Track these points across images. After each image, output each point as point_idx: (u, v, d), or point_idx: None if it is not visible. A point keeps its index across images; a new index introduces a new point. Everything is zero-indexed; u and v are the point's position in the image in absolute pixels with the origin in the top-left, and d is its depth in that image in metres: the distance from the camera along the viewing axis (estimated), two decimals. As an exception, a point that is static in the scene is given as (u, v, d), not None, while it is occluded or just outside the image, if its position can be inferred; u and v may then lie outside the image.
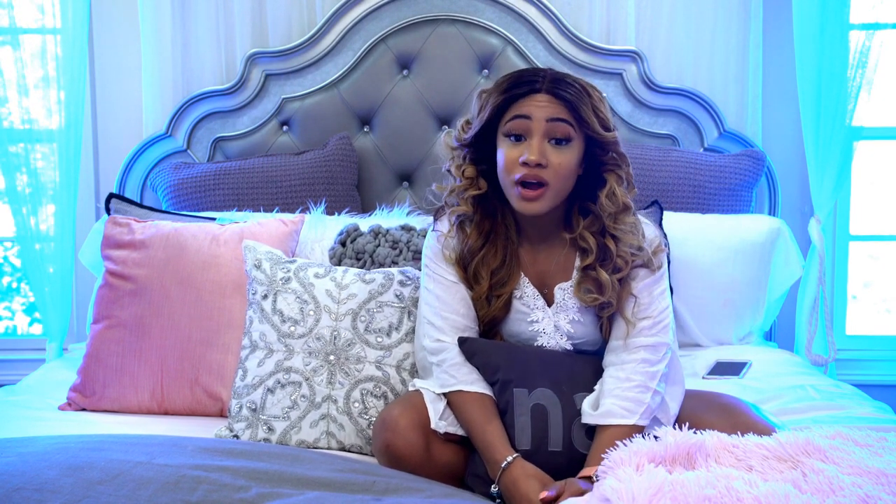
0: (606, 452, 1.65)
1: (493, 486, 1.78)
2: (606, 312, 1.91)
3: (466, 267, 1.94)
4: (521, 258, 1.96)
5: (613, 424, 1.80)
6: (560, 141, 1.84)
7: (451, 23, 2.94)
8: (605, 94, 2.93)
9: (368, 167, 2.95)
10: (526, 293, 1.95)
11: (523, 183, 1.84)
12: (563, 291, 1.94)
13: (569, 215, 1.94)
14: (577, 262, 1.93)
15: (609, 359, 1.90)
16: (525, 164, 1.82)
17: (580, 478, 1.73)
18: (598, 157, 1.89)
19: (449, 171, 1.97)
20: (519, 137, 1.85)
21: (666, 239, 1.97)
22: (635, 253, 1.89)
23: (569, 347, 1.95)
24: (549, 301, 1.95)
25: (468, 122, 1.94)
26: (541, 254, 1.96)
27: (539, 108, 1.84)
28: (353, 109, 2.97)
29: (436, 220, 2.00)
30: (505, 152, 1.86)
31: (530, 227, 1.95)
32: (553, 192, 1.85)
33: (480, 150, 1.93)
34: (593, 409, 1.84)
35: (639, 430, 1.80)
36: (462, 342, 1.92)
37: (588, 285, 1.90)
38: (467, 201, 1.93)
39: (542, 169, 1.83)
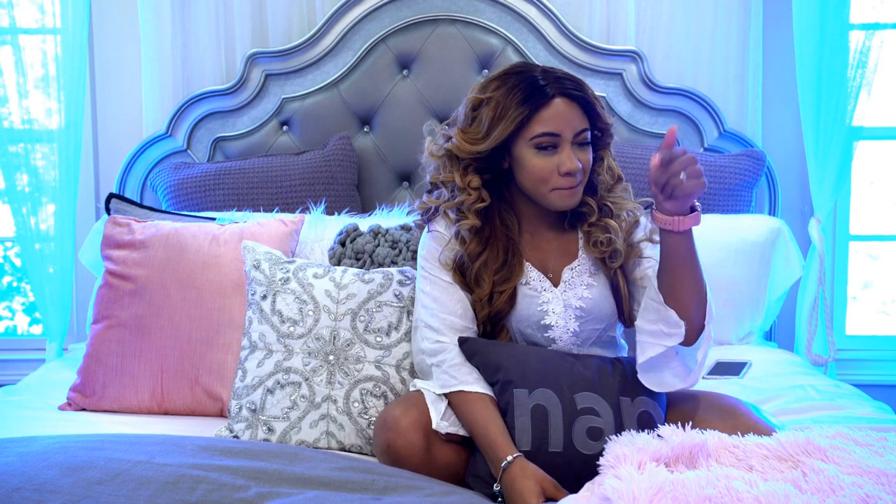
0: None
1: (495, 485, 1.78)
2: (615, 263, 1.95)
3: (465, 273, 1.95)
4: (522, 249, 1.98)
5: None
6: (583, 144, 1.91)
7: (451, 23, 2.94)
8: (604, 94, 2.94)
9: (368, 167, 2.95)
10: (531, 277, 1.96)
11: (563, 185, 1.89)
12: (572, 271, 1.97)
13: None
14: (581, 235, 1.98)
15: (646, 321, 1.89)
16: (568, 174, 1.88)
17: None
18: (594, 137, 1.96)
19: (441, 181, 1.96)
20: (547, 148, 1.89)
21: None
22: (635, 212, 1.97)
23: (576, 328, 1.95)
24: (556, 283, 1.97)
25: (464, 131, 1.91)
26: (542, 241, 1.99)
27: (565, 121, 1.88)
28: (353, 109, 2.97)
29: (429, 220, 2.00)
30: (537, 163, 1.89)
31: (534, 218, 1.99)
32: (583, 186, 1.93)
33: (486, 160, 1.93)
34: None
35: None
36: (462, 342, 1.92)
37: (598, 233, 1.95)
38: (474, 214, 1.93)
39: (580, 172, 1.90)
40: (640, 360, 1.84)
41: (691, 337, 1.82)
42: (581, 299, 1.96)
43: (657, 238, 1.93)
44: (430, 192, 2.01)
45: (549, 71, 1.92)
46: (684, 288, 1.79)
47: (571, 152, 1.88)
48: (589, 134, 1.91)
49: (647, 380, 1.85)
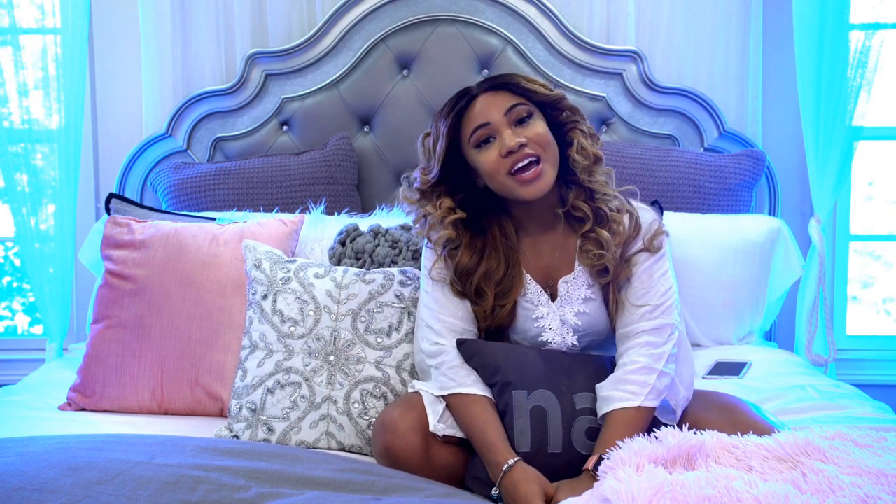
0: (614, 440, 1.70)
1: (493, 489, 1.78)
2: (604, 279, 1.91)
3: (464, 286, 1.94)
4: (523, 256, 1.97)
5: (618, 409, 1.80)
6: (523, 120, 1.89)
7: (451, 23, 2.94)
8: (604, 94, 2.94)
9: (368, 167, 2.95)
10: (530, 290, 1.95)
11: (517, 170, 1.86)
12: (567, 284, 1.94)
13: (560, 195, 1.96)
14: (578, 243, 1.95)
15: (618, 350, 1.91)
16: (510, 152, 1.85)
17: (584, 470, 1.75)
18: (557, 120, 1.93)
19: (423, 216, 1.96)
20: (487, 141, 1.89)
21: (662, 221, 2.00)
22: (633, 219, 1.91)
23: (575, 342, 1.95)
24: (554, 296, 1.95)
25: (424, 169, 1.95)
26: (543, 246, 1.97)
27: (492, 107, 1.89)
28: (353, 109, 2.97)
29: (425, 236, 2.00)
30: (483, 159, 1.89)
31: (531, 221, 1.96)
32: (548, 163, 1.88)
33: (449, 182, 1.94)
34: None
35: (648, 412, 1.81)
36: (461, 343, 1.92)
37: (590, 246, 1.91)
38: (448, 226, 1.92)
39: (526, 147, 1.86)
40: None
41: None
42: (577, 315, 1.94)
43: (657, 244, 1.92)
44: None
45: (483, 80, 1.95)
46: None
47: (511, 132, 1.87)
48: (525, 108, 1.89)
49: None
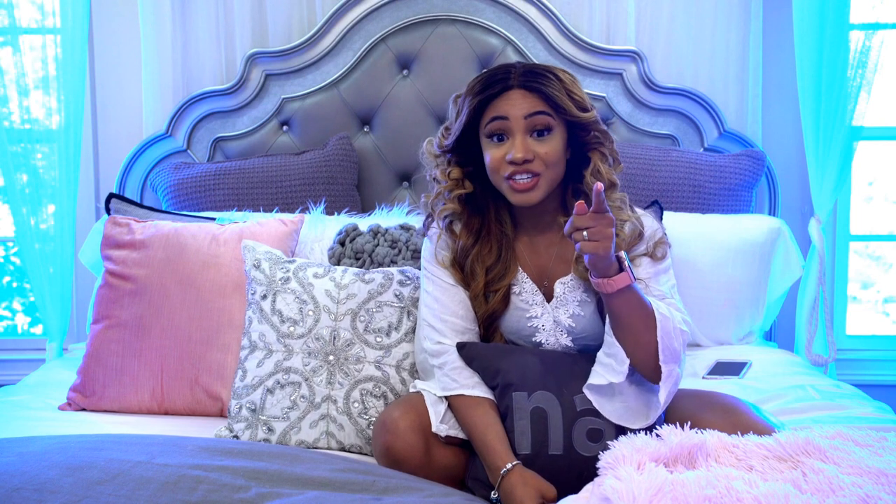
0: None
1: (493, 493, 1.78)
2: None
3: (463, 267, 1.95)
4: (519, 252, 1.97)
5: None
6: (542, 132, 1.86)
7: (451, 23, 2.94)
8: (604, 94, 2.93)
9: (368, 167, 2.95)
10: (525, 289, 1.95)
11: (515, 177, 1.86)
12: (564, 285, 1.94)
13: (564, 201, 1.95)
14: (575, 254, 1.93)
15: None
16: (512, 162, 1.84)
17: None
18: (581, 138, 1.91)
19: (435, 178, 1.98)
20: (501, 137, 1.87)
21: (665, 231, 1.98)
22: (635, 226, 1.89)
23: (569, 344, 1.94)
24: (549, 297, 1.95)
25: (447, 129, 1.96)
26: (540, 246, 1.97)
27: (515, 105, 1.86)
28: (353, 109, 2.97)
29: (427, 227, 2.01)
30: (490, 153, 1.88)
31: (527, 219, 1.96)
32: (546, 180, 1.87)
33: (464, 153, 1.95)
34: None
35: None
36: (461, 347, 1.92)
37: (584, 261, 1.89)
38: (454, 200, 1.94)
39: (530, 163, 1.85)
40: (588, 381, 1.84)
41: (655, 377, 1.80)
42: (572, 317, 1.93)
43: (660, 253, 1.91)
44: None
45: (519, 66, 1.89)
46: (628, 339, 1.79)
47: (523, 140, 1.84)
48: (547, 121, 1.85)
49: (595, 401, 1.84)
